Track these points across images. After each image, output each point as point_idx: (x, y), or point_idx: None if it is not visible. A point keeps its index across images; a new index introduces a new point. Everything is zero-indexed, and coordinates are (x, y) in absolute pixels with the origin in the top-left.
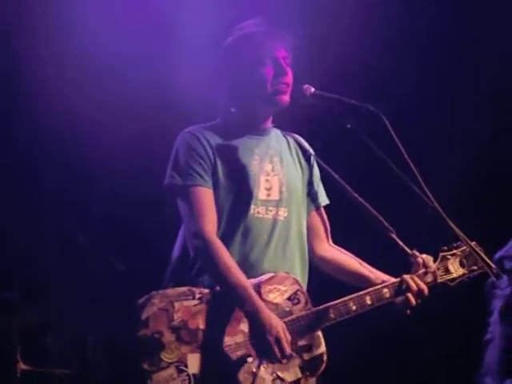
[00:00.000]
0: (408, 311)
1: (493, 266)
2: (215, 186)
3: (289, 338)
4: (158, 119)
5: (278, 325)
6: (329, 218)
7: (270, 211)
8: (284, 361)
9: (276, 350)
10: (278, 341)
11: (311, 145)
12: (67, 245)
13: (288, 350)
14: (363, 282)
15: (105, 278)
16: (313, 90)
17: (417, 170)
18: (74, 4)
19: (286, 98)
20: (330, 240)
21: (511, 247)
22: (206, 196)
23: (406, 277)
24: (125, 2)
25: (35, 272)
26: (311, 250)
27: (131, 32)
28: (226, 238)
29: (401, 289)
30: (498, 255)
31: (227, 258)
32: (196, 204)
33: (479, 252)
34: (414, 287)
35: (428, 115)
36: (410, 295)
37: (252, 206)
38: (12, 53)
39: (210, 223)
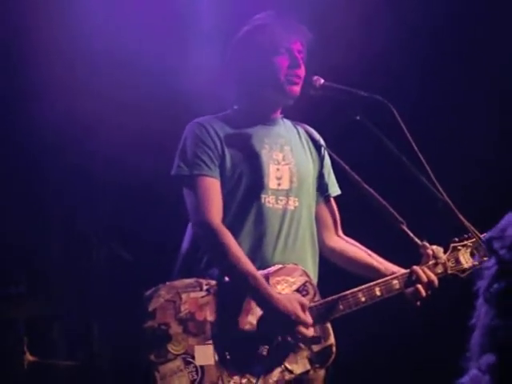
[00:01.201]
0: (418, 303)
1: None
2: (224, 176)
3: (307, 304)
4: (167, 114)
5: (293, 303)
6: (339, 209)
7: (281, 201)
8: (311, 331)
9: (301, 329)
10: (299, 319)
11: (321, 136)
12: (73, 236)
13: (310, 320)
14: (372, 274)
15: (112, 269)
16: (322, 81)
17: (426, 162)
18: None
19: (297, 89)
20: (340, 231)
21: (500, 229)
22: (212, 186)
23: (416, 268)
24: None
25: (41, 264)
26: (321, 241)
27: (139, 27)
28: (236, 227)
29: (411, 280)
30: (487, 235)
31: (236, 248)
32: (202, 194)
33: None
34: (424, 278)
35: (438, 110)
36: (419, 286)
37: (263, 196)
38: (17, 50)
39: (217, 213)
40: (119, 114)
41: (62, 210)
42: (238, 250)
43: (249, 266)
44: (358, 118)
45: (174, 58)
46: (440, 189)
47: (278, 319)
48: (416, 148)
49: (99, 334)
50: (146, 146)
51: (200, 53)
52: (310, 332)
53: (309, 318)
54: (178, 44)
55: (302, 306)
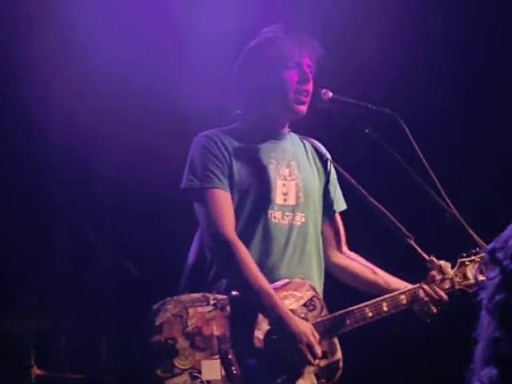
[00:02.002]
0: (428, 319)
1: None
2: (231, 190)
3: (317, 337)
4: (169, 130)
5: (307, 329)
6: (345, 224)
7: (287, 216)
8: (316, 361)
9: (309, 356)
10: (309, 347)
11: (328, 149)
12: (81, 250)
13: (319, 353)
14: (376, 291)
15: (119, 283)
16: (331, 94)
17: (435, 176)
18: (78, 9)
19: (305, 108)
20: (345, 247)
21: (504, 239)
22: (223, 198)
23: (423, 283)
24: (131, 6)
25: (49, 278)
26: (325, 257)
27: (137, 38)
28: (243, 242)
29: (418, 295)
30: (490, 246)
31: (252, 263)
32: (214, 206)
33: None
34: (431, 294)
35: (447, 123)
36: (428, 302)
37: (269, 211)
38: (15, 66)
39: (231, 225)
40: (122, 132)
41: (69, 225)
42: (253, 266)
43: (264, 283)
44: (366, 131)
45: (175, 72)
46: (449, 202)
47: (288, 338)
48: (425, 161)
49: (106, 348)
50: (151, 160)
51: (202, 66)
52: (315, 362)
53: (319, 349)
54: (180, 58)
55: (314, 336)
